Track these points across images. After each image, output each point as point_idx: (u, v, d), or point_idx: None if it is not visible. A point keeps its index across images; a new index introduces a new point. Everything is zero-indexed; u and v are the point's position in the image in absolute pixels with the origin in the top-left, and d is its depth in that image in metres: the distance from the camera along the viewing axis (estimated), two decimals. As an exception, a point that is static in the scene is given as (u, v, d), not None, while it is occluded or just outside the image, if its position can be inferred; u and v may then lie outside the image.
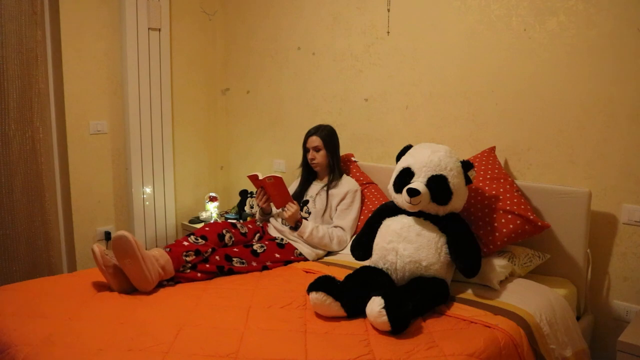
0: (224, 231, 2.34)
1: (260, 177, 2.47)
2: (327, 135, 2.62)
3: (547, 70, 2.23)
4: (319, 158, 2.60)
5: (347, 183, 2.60)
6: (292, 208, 2.43)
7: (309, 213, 2.57)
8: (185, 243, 2.17)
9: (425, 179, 1.92)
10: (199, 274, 2.14)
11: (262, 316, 1.77)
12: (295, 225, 2.43)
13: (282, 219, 2.55)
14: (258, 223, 2.63)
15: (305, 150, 2.65)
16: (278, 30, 3.33)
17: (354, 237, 2.26)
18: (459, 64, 2.49)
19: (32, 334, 1.58)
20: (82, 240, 3.14)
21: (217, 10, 3.48)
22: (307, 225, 2.42)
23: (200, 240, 2.22)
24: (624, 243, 2.12)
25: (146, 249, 2.04)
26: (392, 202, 2.07)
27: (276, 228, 2.57)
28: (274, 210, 2.65)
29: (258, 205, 2.62)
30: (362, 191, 2.63)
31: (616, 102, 2.07)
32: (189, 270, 2.13)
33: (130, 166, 3.26)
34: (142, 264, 1.93)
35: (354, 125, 2.95)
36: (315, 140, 2.60)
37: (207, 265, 2.17)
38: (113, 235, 1.98)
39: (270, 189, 2.48)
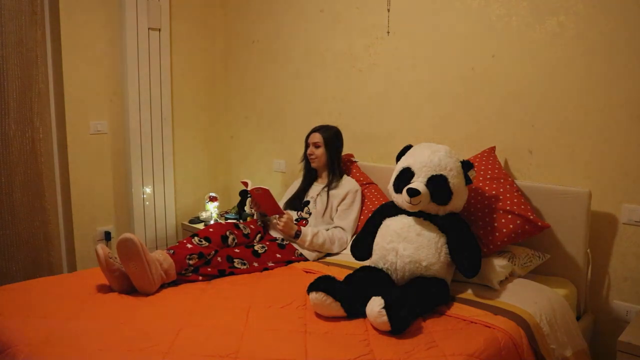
0: (228, 233, 2.34)
1: (249, 187, 2.47)
2: (330, 135, 2.64)
3: (547, 70, 2.23)
4: (317, 154, 2.61)
5: (348, 183, 2.61)
6: (282, 222, 2.41)
7: (310, 214, 2.57)
8: (189, 245, 2.17)
9: (425, 179, 1.92)
10: (200, 277, 2.14)
11: (262, 316, 1.76)
12: (295, 234, 2.42)
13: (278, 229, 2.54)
14: (259, 223, 2.63)
15: (306, 146, 2.66)
16: (278, 30, 3.33)
17: (354, 237, 2.25)
18: (459, 64, 2.49)
19: (32, 334, 1.57)
20: (82, 240, 3.14)
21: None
22: (307, 234, 2.41)
23: (204, 242, 2.22)
24: (624, 243, 2.12)
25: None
26: (392, 202, 2.07)
27: (277, 229, 2.57)
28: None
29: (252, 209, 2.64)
30: (362, 191, 2.63)
31: (616, 102, 2.07)
32: (190, 274, 2.12)
33: (130, 165, 3.26)
34: (147, 269, 1.93)
35: (354, 126, 2.95)
36: (316, 137, 2.62)
37: (209, 269, 2.17)
38: (119, 237, 1.97)
39: (259, 199, 2.51)
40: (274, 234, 2.57)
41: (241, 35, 3.61)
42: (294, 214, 2.60)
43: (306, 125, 2.83)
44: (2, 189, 2.75)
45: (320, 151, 2.62)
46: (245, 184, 2.50)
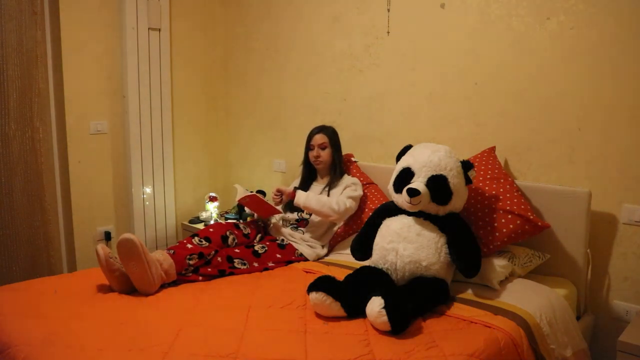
0: (228, 233, 2.34)
1: (238, 196, 2.48)
2: (332, 133, 2.64)
3: (547, 70, 2.23)
4: (324, 156, 2.60)
5: (349, 180, 2.60)
6: (280, 211, 2.50)
7: (310, 215, 2.56)
8: (189, 245, 2.17)
9: (425, 179, 1.92)
10: (200, 277, 2.14)
11: (262, 316, 1.77)
12: (297, 195, 2.46)
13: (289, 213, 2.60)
14: (259, 223, 2.63)
15: (309, 148, 2.65)
16: (278, 30, 3.33)
17: (354, 236, 2.25)
18: (459, 64, 2.49)
19: (32, 334, 1.57)
20: (82, 240, 3.14)
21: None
22: (301, 196, 2.44)
23: (204, 242, 2.22)
24: (624, 243, 2.12)
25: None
26: (392, 202, 2.07)
27: (277, 229, 2.58)
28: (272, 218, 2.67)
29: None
30: (362, 190, 2.62)
31: (616, 102, 2.07)
32: (190, 274, 2.12)
33: (130, 165, 3.26)
34: (147, 269, 1.93)
35: (354, 126, 2.95)
36: (321, 138, 2.61)
37: (209, 269, 2.17)
38: (119, 237, 1.97)
39: (249, 207, 2.54)
40: (274, 234, 2.57)
41: (241, 35, 3.61)
42: (294, 216, 2.59)
43: (306, 125, 2.83)
44: (2, 189, 2.75)
45: (327, 152, 2.61)
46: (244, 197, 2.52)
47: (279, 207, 2.56)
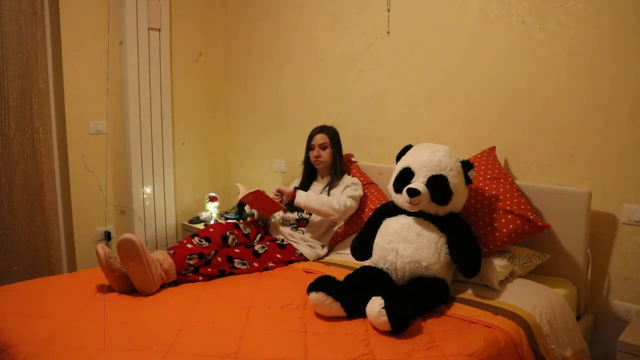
0: (228, 233, 2.34)
1: (240, 195, 2.47)
2: (333, 133, 2.64)
3: (547, 70, 2.23)
4: (324, 156, 2.61)
5: (349, 179, 2.61)
6: (282, 210, 2.50)
7: (310, 214, 2.56)
8: (189, 245, 2.17)
9: (425, 179, 1.92)
10: (200, 277, 2.14)
11: (262, 316, 1.77)
12: (297, 195, 2.45)
13: (289, 213, 2.59)
14: (259, 223, 2.63)
15: (309, 148, 2.65)
16: (278, 30, 3.33)
17: (354, 236, 2.25)
18: (459, 63, 2.49)
19: (32, 334, 1.57)
20: (82, 240, 3.14)
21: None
22: (301, 195, 2.44)
23: (204, 242, 2.22)
24: (624, 243, 2.12)
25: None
26: (392, 202, 2.07)
27: (276, 229, 2.58)
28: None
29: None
30: (362, 190, 2.62)
31: (616, 102, 2.07)
32: (190, 274, 2.12)
33: (130, 165, 3.26)
34: (147, 269, 1.93)
35: (354, 126, 2.95)
36: (322, 138, 2.61)
37: (209, 269, 2.17)
38: (119, 237, 1.97)
39: (252, 205, 2.52)
40: (274, 234, 2.57)
41: (241, 35, 3.61)
42: (294, 215, 2.60)
43: (306, 125, 2.83)
44: (2, 189, 2.75)
45: (327, 152, 2.62)
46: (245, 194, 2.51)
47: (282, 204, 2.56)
